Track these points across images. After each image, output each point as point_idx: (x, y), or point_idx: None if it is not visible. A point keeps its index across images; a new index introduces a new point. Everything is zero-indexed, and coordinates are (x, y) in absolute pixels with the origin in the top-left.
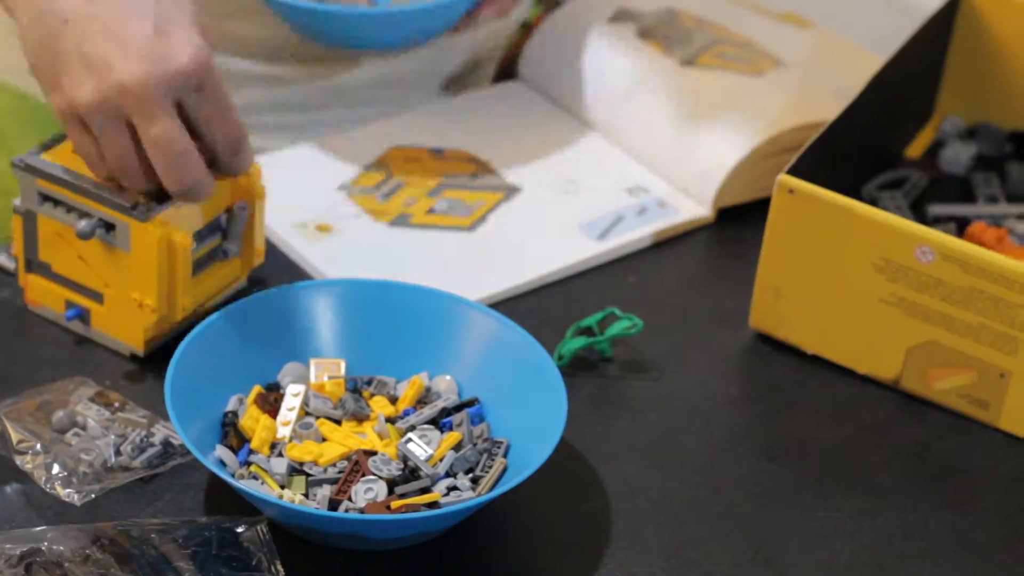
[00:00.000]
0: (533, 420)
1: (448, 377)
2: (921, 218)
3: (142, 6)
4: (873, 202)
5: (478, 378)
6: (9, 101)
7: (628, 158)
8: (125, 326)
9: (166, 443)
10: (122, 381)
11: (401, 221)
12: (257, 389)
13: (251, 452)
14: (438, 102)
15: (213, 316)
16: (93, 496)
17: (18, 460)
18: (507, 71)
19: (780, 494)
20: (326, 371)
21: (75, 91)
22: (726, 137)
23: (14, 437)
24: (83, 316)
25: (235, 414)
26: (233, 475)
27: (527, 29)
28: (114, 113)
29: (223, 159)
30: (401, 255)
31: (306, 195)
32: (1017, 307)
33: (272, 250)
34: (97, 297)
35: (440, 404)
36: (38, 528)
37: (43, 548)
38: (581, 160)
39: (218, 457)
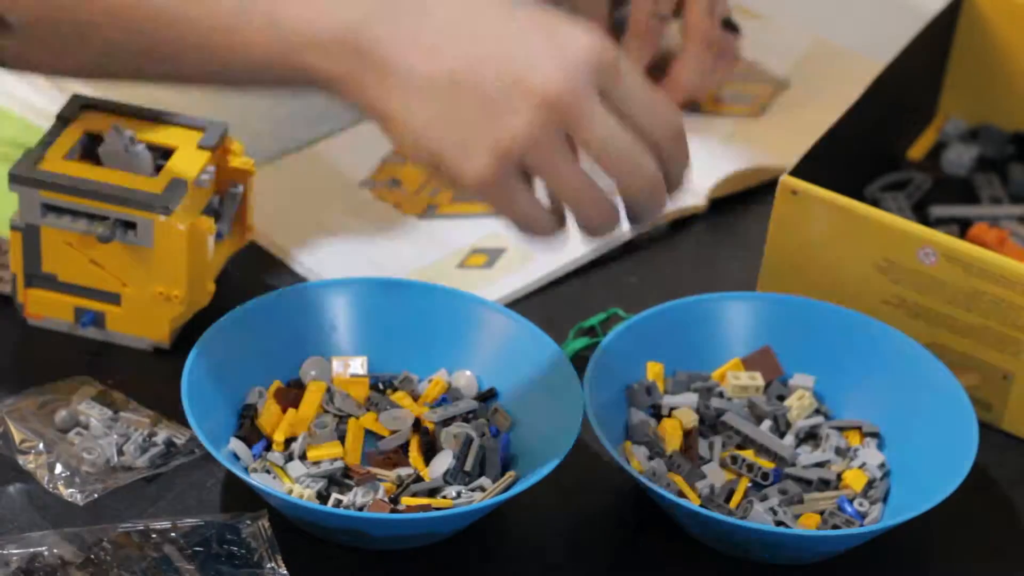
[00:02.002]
0: (548, 422)
1: (468, 372)
2: (924, 220)
3: (498, 27)
4: (875, 203)
5: (495, 378)
6: (13, 130)
7: None
8: (147, 322)
9: (169, 442)
10: (125, 380)
11: (429, 213)
12: (277, 384)
13: (268, 448)
14: None
15: (232, 312)
16: (96, 496)
17: (21, 460)
18: None
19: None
20: (348, 368)
21: (502, 133)
22: (720, 152)
23: (16, 437)
24: (98, 320)
25: (255, 408)
26: (246, 469)
27: None
28: (553, 135)
29: (665, 148)
30: (413, 252)
31: (328, 194)
32: (1019, 308)
33: (288, 251)
34: (113, 299)
35: (463, 406)
36: (39, 533)
37: (44, 552)
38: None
39: (231, 450)
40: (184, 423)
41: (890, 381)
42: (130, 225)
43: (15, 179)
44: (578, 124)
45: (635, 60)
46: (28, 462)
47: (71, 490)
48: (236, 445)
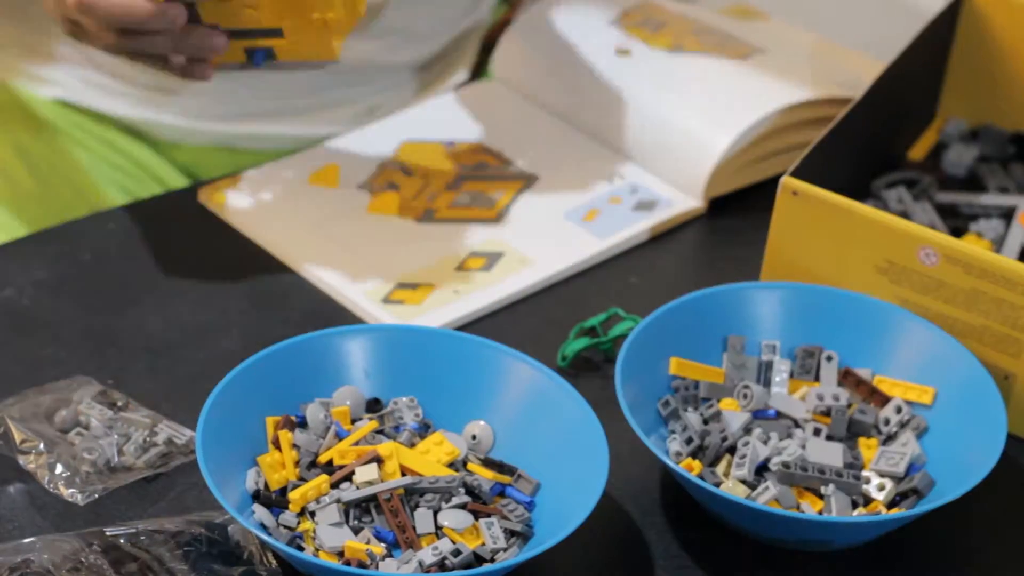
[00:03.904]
0: (570, 477)
1: (482, 423)
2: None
3: None
4: (881, 199)
5: (516, 428)
6: (72, 117)
7: (614, 154)
8: (315, 46)
9: (169, 442)
10: (125, 381)
11: (427, 217)
12: (273, 420)
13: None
14: (442, 96)
15: (237, 369)
16: (96, 496)
17: (21, 460)
18: (489, 46)
19: None
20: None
21: None
22: (712, 125)
23: (17, 437)
24: (270, 53)
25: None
26: (282, 537)
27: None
28: None
29: None
30: (412, 255)
31: (327, 196)
32: (1020, 309)
33: (289, 252)
34: (277, 33)
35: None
36: (28, 540)
37: (33, 559)
38: (569, 156)
39: (259, 520)
40: (184, 423)
41: (918, 371)
42: None
43: None
44: None
45: None
46: (28, 462)
47: (71, 490)
48: (260, 513)
